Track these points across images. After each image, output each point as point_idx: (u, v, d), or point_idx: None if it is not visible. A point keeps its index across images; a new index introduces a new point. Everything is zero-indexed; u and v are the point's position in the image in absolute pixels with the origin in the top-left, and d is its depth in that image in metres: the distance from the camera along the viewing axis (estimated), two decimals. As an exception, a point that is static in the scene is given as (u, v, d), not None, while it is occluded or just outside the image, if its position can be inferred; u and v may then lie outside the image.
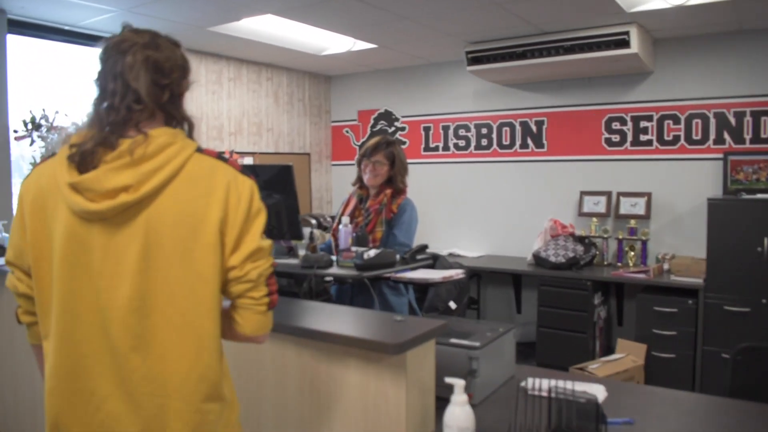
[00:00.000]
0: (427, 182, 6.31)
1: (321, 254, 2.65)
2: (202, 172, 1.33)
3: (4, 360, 3.19)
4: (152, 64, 1.33)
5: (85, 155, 1.27)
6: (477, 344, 2.14)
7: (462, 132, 6.25)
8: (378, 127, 6.72)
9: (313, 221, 6.71)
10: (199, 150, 1.36)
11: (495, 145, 6.06)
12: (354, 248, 2.75)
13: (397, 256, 2.73)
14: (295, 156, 6.71)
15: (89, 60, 5.07)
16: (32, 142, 4.32)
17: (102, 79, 1.34)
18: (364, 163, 3.39)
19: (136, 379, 1.29)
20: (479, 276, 5.81)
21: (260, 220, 1.39)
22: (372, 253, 2.54)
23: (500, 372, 2.30)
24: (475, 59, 5.27)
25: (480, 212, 6.16)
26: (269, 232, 2.83)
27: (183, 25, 4.63)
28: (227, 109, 5.91)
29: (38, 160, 4.35)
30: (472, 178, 6.19)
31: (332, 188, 7.20)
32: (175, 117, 1.39)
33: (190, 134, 1.41)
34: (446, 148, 6.34)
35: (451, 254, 5.83)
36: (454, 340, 2.18)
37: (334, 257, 2.76)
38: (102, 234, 1.28)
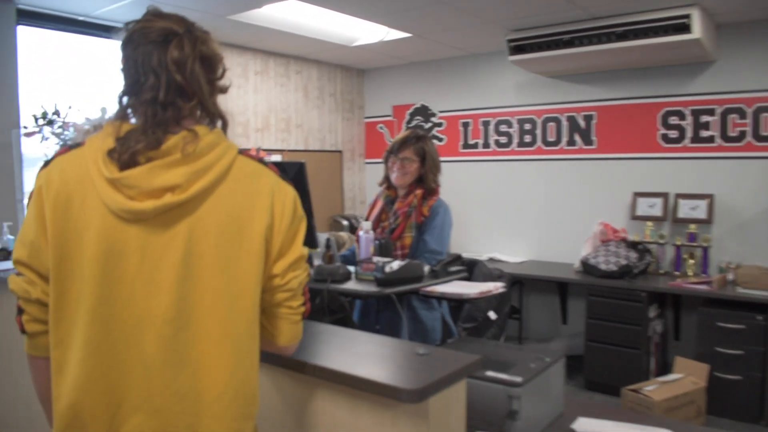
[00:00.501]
0: (465, 181, 6.05)
1: (337, 266, 2.28)
2: (247, 175, 1.29)
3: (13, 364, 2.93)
4: (203, 59, 1.28)
5: (134, 154, 1.20)
6: (518, 379, 1.77)
7: (503, 128, 5.90)
8: (414, 123, 6.45)
9: (345, 222, 6.44)
10: (241, 152, 1.32)
11: (539, 142, 5.69)
12: (376, 259, 2.38)
13: (426, 268, 2.34)
14: (326, 153, 6.46)
15: (104, 51, 4.85)
16: (43, 138, 4.09)
17: (133, 70, 1.26)
18: (391, 161, 3.04)
19: (167, 395, 1.21)
20: (521, 283, 5.43)
21: (303, 228, 1.37)
22: (395, 265, 2.16)
23: (546, 411, 1.93)
24: (517, 48, 4.90)
25: (523, 214, 5.81)
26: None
27: (203, 14, 4.36)
28: (253, 104, 5.67)
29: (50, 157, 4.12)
30: (515, 178, 5.84)
31: (365, 187, 6.91)
32: (214, 114, 1.32)
33: (224, 125, 1.35)
34: (486, 145, 6.01)
35: (491, 259, 5.56)
36: (490, 374, 1.81)
37: (354, 268, 2.39)
38: (140, 236, 1.21)
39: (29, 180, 4.23)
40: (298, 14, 4.67)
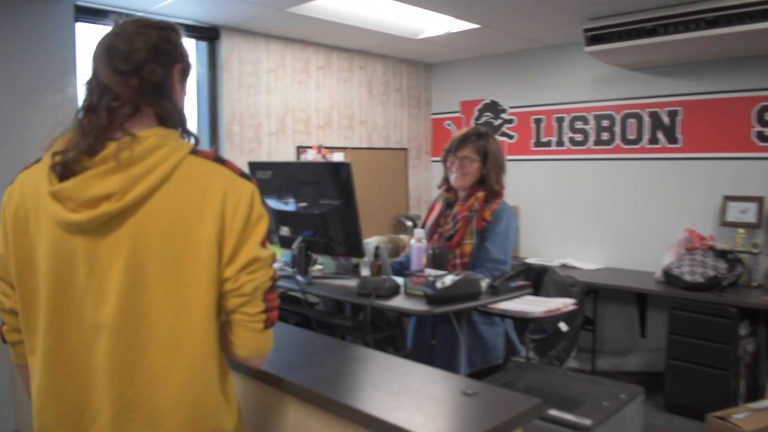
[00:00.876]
0: (537, 182, 5.75)
1: (383, 278, 2.04)
2: (194, 177, 1.24)
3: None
4: (109, 50, 1.27)
5: (67, 165, 1.20)
6: (587, 422, 1.48)
7: (579, 124, 5.53)
8: (483, 119, 6.16)
9: (409, 223, 6.20)
10: (195, 152, 1.27)
11: (618, 140, 5.30)
12: (428, 271, 2.12)
13: (484, 283, 2.07)
14: (391, 151, 6.25)
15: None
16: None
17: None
18: (450, 160, 2.79)
19: (121, 405, 1.21)
20: (596, 293, 5.06)
21: (260, 228, 1.28)
22: (449, 280, 1.90)
23: (621, 459, 1.62)
24: (594, 38, 4.54)
25: (599, 218, 5.44)
26: (325, 246, 2.27)
27: (261, 8, 4.23)
28: (315, 101, 5.52)
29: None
30: (591, 178, 5.48)
31: (432, 187, 6.66)
32: (163, 112, 1.27)
33: (184, 132, 1.31)
34: (560, 143, 5.66)
35: (563, 266, 5.22)
36: (554, 413, 1.53)
37: (403, 280, 2.14)
38: (86, 247, 1.21)
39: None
40: (362, 7, 4.48)
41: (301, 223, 2.31)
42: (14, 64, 3.77)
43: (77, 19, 4.08)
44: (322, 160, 5.45)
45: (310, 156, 5.37)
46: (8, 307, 1.36)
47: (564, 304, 2.28)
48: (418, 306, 1.86)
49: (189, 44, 4.85)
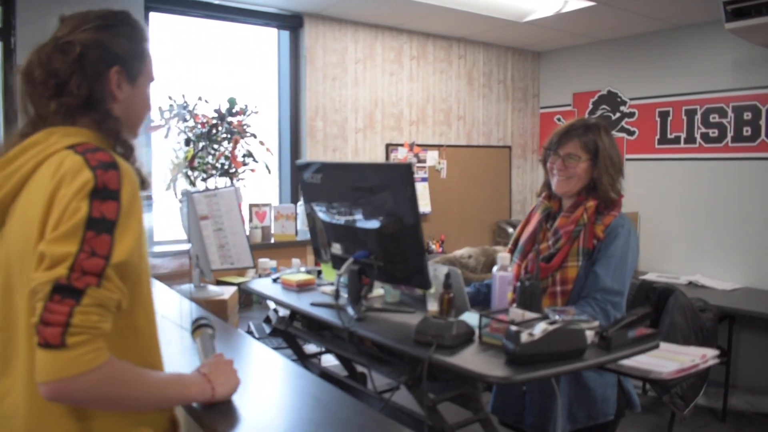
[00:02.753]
0: (661, 185, 5.16)
1: (449, 322, 1.50)
2: (48, 177, 1.13)
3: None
4: (26, 76, 1.24)
5: None
6: None
7: (714, 117, 4.83)
8: (599, 113, 5.58)
9: (510, 230, 5.61)
10: (72, 147, 1.16)
11: (763, 136, 4.58)
12: (513, 311, 1.58)
13: (590, 332, 1.49)
14: (493, 149, 5.75)
15: (240, 38, 4.47)
16: (168, 132, 3.78)
17: None
18: (551, 160, 2.23)
19: (5, 407, 1.19)
20: (732, 318, 4.31)
21: (72, 221, 1.07)
22: (539, 330, 1.35)
23: None
24: (737, 12, 3.87)
25: (736, 227, 4.76)
26: (381, 271, 1.77)
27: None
28: (408, 94, 5.10)
29: (178, 152, 3.82)
30: (727, 181, 4.81)
31: (539, 188, 6.04)
32: (92, 123, 1.23)
33: (117, 142, 1.25)
34: (691, 139, 4.99)
35: (691, 284, 4.61)
36: None
37: (477, 319, 1.60)
38: None
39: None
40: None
41: (354, 240, 1.83)
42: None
43: (149, 8, 3.87)
44: (413, 159, 4.98)
45: (401, 155, 4.92)
46: None
47: (703, 357, 1.68)
48: (494, 367, 1.32)
49: (270, 34, 4.57)
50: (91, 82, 1.22)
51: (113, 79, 1.25)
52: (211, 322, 1.61)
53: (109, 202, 1.09)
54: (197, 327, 1.57)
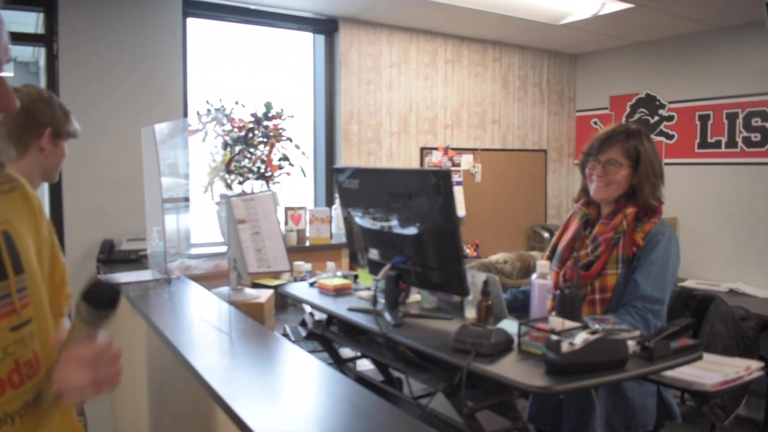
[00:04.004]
0: (701, 190, 5.02)
1: (488, 330, 1.49)
2: None
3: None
4: None
5: None
6: None
7: (757, 121, 4.69)
8: (637, 116, 5.46)
9: (546, 235, 5.54)
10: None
11: None
12: (552, 320, 1.56)
13: (632, 342, 1.46)
14: (528, 153, 5.68)
15: (276, 42, 4.50)
16: (206, 136, 3.81)
17: None
18: (589, 166, 2.21)
19: None
20: (776, 327, 4.18)
21: None
22: (580, 339, 1.34)
23: None
24: None
25: None
26: (419, 277, 1.77)
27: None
28: (443, 98, 5.07)
29: (215, 156, 3.85)
30: None
31: (575, 193, 5.95)
32: None
33: None
34: (732, 143, 4.85)
35: (731, 291, 4.46)
36: None
37: (516, 327, 1.59)
38: None
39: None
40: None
41: (392, 246, 1.83)
42: (125, 58, 3.70)
43: (186, 14, 3.91)
44: (448, 162, 4.96)
45: (435, 158, 4.91)
46: None
47: (747, 369, 1.64)
48: (534, 377, 1.31)
49: (305, 38, 4.59)
50: None
51: None
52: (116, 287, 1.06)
53: None
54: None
